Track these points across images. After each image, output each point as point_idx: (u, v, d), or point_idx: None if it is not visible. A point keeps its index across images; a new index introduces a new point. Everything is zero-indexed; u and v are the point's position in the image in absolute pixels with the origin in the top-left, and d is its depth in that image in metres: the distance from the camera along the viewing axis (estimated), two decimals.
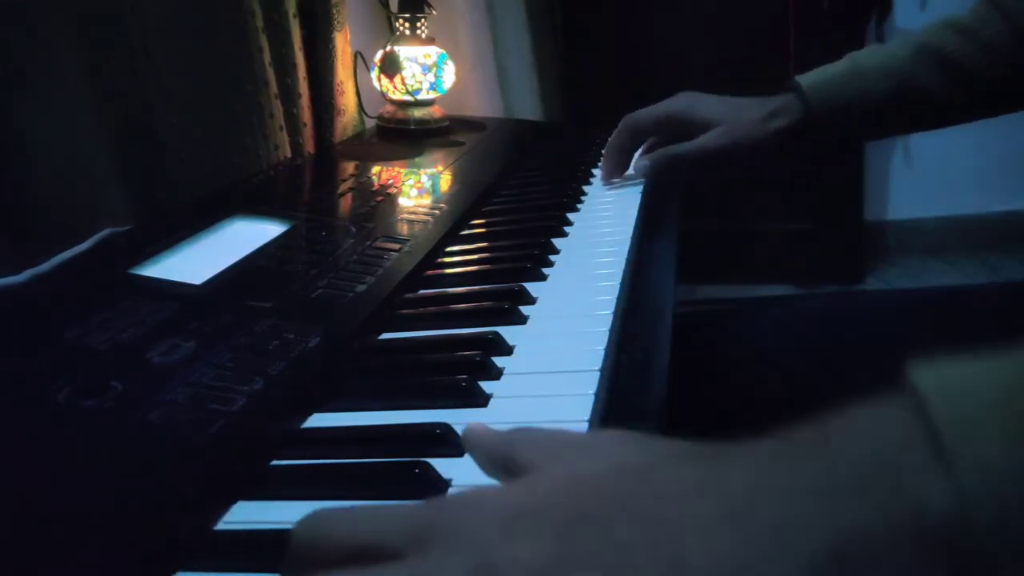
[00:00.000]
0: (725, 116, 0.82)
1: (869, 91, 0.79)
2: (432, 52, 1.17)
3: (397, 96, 1.16)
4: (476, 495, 0.27)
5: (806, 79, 0.82)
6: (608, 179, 0.90)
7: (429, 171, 0.98)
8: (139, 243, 0.65)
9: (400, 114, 1.16)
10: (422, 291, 0.65)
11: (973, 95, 0.77)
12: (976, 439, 0.21)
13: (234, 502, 0.40)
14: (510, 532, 0.24)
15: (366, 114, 1.21)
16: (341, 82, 1.12)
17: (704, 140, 0.82)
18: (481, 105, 1.54)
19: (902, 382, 0.22)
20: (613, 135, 0.90)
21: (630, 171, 0.91)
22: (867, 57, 0.80)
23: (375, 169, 0.96)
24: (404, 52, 1.15)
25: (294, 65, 1.00)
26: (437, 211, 0.80)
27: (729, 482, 0.23)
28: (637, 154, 0.91)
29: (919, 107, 0.79)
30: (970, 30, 0.76)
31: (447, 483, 0.39)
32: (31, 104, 0.65)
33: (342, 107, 1.13)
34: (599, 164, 1.02)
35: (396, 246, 0.70)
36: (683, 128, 0.85)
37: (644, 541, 0.23)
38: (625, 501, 0.24)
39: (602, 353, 0.50)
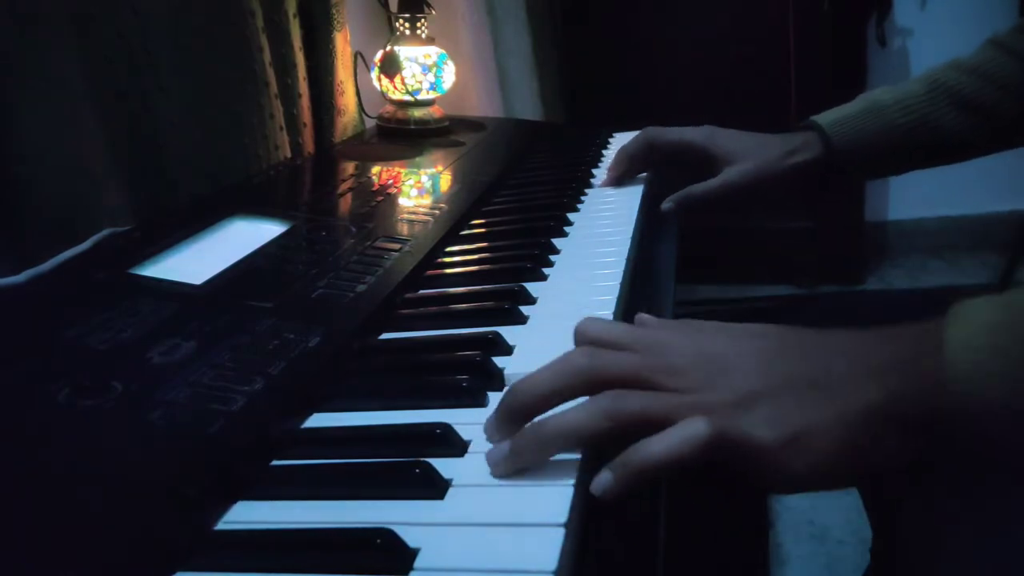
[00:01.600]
0: (746, 151, 0.83)
1: (889, 127, 0.80)
2: (432, 52, 1.17)
3: (397, 96, 1.16)
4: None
5: (823, 118, 0.82)
6: (615, 184, 0.90)
7: (429, 171, 0.98)
8: (139, 243, 0.65)
9: (400, 114, 1.16)
10: (422, 291, 0.65)
11: (991, 131, 0.79)
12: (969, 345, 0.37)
13: (234, 502, 0.40)
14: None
15: (366, 114, 1.21)
16: (341, 82, 1.12)
17: (727, 177, 0.82)
18: (481, 105, 1.54)
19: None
20: (630, 143, 0.90)
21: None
22: (882, 95, 0.81)
23: (375, 169, 0.96)
24: (404, 52, 1.15)
25: (294, 65, 1.00)
26: (437, 211, 0.80)
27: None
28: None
29: (938, 143, 0.80)
30: (982, 71, 0.78)
31: (448, 483, 0.39)
32: (31, 104, 0.65)
33: (342, 107, 1.13)
34: (600, 164, 1.02)
35: (396, 246, 0.70)
36: (702, 158, 0.85)
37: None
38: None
39: None
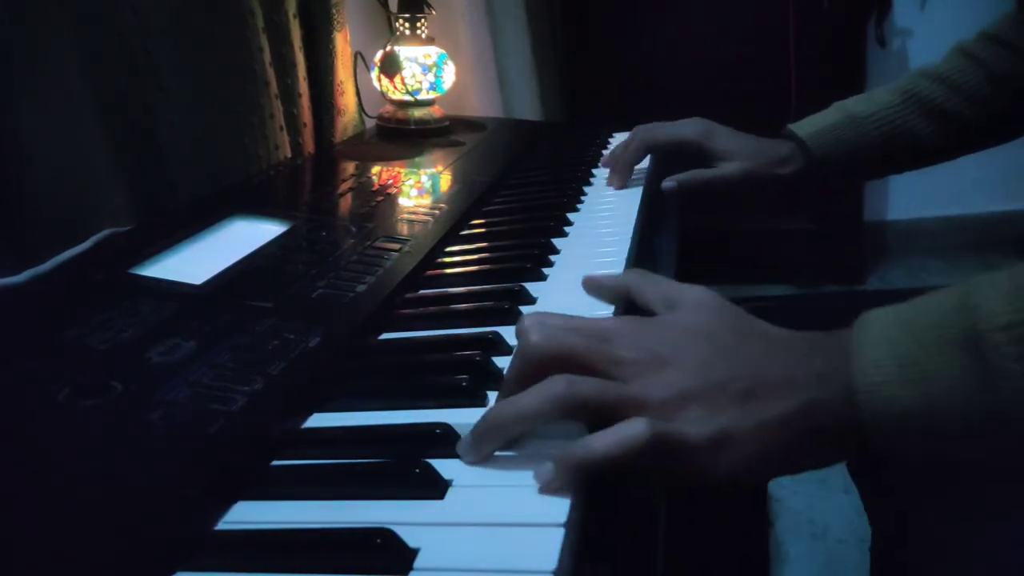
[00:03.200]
0: (742, 152, 0.86)
1: (865, 138, 0.83)
2: (432, 52, 1.17)
3: (397, 96, 1.16)
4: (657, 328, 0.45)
5: (802, 129, 0.85)
6: (617, 187, 0.90)
7: (429, 171, 0.98)
8: (139, 243, 0.65)
9: (400, 114, 1.16)
10: (422, 291, 0.65)
11: (961, 137, 0.83)
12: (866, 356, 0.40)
13: (234, 502, 0.40)
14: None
15: (366, 114, 1.21)
16: (341, 82, 1.12)
17: (723, 170, 0.85)
18: (481, 105, 1.54)
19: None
20: (624, 145, 0.91)
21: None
22: (857, 105, 0.85)
23: (375, 169, 0.96)
24: (404, 52, 1.15)
25: (294, 65, 1.00)
26: (437, 211, 0.80)
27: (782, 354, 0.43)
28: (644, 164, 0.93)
29: (912, 150, 0.84)
30: (950, 80, 0.82)
31: (447, 483, 0.39)
32: (31, 104, 0.65)
33: (342, 107, 1.13)
34: (600, 164, 1.02)
35: (396, 246, 0.70)
36: (697, 154, 0.87)
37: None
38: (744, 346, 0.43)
39: None
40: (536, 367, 0.43)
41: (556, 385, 0.41)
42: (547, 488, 0.39)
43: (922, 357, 0.38)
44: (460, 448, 0.42)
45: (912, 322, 0.40)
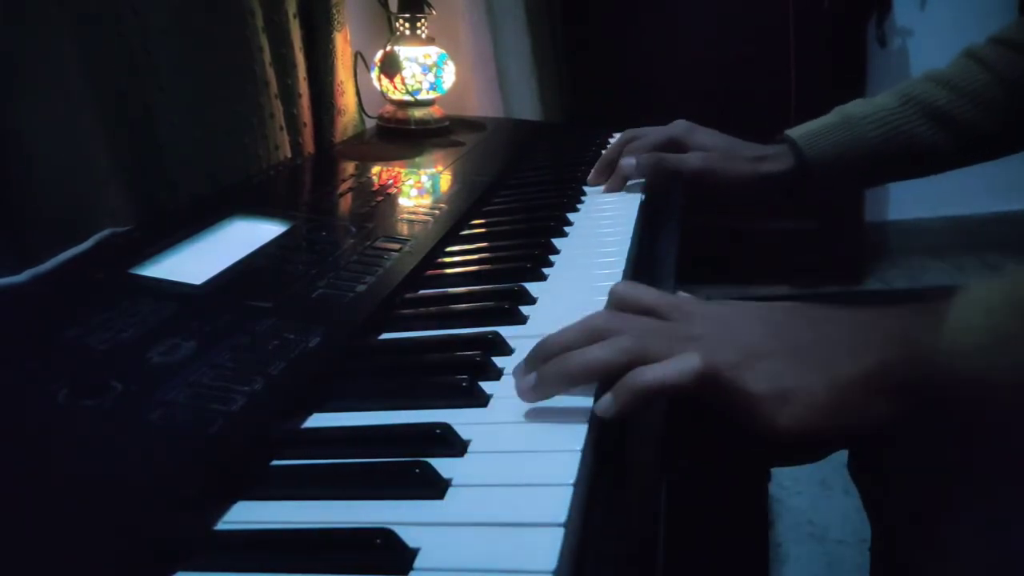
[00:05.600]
0: (716, 146, 0.85)
1: (861, 140, 0.81)
2: (432, 52, 1.17)
3: (397, 96, 1.16)
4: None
5: (796, 131, 0.84)
6: (593, 184, 0.92)
7: (429, 171, 0.98)
8: (139, 243, 0.65)
9: (400, 114, 1.16)
10: (422, 291, 0.65)
11: (964, 144, 0.80)
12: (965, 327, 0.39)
13: (234, 502, 0.40)
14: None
15: (366, 114, 1.21)
16: (341, 82, 1.12)
17: (687, 158, 0.85)
18: (481, 105, 1.54)
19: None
20: (610, 148, 0.92)
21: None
22: (856, 108, 0.83)
23: (375, 169, 0.96)
24: (404, 52, 1.15)
25: (294, 65, 1.00)
26: (437, 211, 0.80)
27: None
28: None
29: (911, 156, 0.81)
30: (955, 84, 0.79)
31: (447, 483, 0.39)
32: (31, 104, 0.65)
33: (342, 107, 1.13)
34: (589, 180, 1.02)
35: (396, 246, 0.70)
36: (677, 150, 0.87)
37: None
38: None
39: None
40: (616, 308, 0.47)
41: (625, 340, 0.44)
42: (607, 416, 0.42)
43: (1021, 330, 0.38)
44: (520, 388, 0.45)
45: (1013, 293, 0.39)
